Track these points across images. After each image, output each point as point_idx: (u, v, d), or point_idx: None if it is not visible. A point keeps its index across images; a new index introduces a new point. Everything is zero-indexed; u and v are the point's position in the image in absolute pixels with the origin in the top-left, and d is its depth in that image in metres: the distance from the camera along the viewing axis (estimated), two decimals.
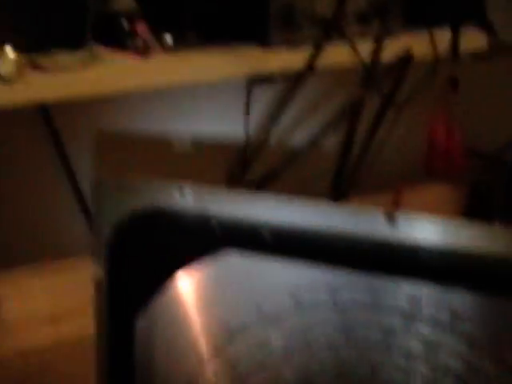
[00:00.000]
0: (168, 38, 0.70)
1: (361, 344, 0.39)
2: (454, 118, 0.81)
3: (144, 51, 0.67)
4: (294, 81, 0.62)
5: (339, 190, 0.56)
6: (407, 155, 0.85)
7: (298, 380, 0.40)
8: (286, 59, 0.71)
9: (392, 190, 0.76)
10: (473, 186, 0.84)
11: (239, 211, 0.39)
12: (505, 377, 0.37)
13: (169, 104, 0.78)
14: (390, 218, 0.37)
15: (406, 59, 0.53)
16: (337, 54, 0.69)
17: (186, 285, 0.40)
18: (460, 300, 0.36)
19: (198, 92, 0.75)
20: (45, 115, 0.70)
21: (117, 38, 0.69)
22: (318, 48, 0.58)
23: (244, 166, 0.57)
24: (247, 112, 0.76)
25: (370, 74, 0.53)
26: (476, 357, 0.37)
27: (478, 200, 0.83)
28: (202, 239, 0.40)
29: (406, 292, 0.37)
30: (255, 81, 0.76)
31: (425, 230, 0.37)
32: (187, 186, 0.40)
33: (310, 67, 0.57)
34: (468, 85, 0.94)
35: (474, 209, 0.70)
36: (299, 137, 0.68)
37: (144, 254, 0.40)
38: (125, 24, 0.67)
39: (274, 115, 0.64)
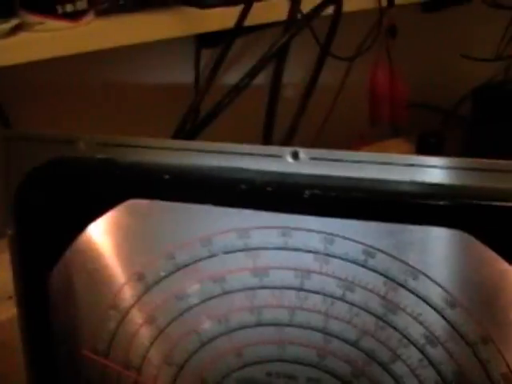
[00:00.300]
0: (101, 2, 0.69)
1: (277, 288, 0.37)
2: (396, 67, 0.80)
3: (75, 16, 0.65)
4: (227, 41, 0.61)
5: (269, 133, 0.55)
6: (357, 109, 0.84)
7: (217, 330, 0.39)
8: (222, 18, 0.69)
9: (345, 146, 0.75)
10: (422, 138, 0.83)
11: (146, 159, 0.38)
12: (425, 312, 0.36)
13: (115, 63, 0.76)
14: (295, 155, 0.35)
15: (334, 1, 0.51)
16: (267, 9, 0.68)
17: (97, 237, 0.39)
18: (372, 234, 0.35)
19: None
20: None
21: (47, 4, 0.67)
22: (247, 7, 0.57)
23: (194, 117, 0.56)
24: (197, 72, 0.75)
25: (293, 16, 0.52)
26: (392, 292, 0.36)
27: (428, 152, 0.83)
28: (109, 190, 0.38)
29: (318, 230, 0.36)
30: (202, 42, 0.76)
31: (332, 167, 0.35)
32: (93, 136, 0.39)
33: (240, 27, 0.56)
34: (419, 36, 0.93)
35: None
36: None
37: (52, 208, 0.39)
38: None
39: (215, 68, 0.63)
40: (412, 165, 0.34)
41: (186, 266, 0.38)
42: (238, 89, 0.47)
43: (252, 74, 0.46)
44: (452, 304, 0.35)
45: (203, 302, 0.39)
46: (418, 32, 0.94)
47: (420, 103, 0.93)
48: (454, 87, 0.95)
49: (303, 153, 0.36)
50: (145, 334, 0.40)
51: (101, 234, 0.39)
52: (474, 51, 0.91)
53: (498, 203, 0.33)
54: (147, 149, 0.38)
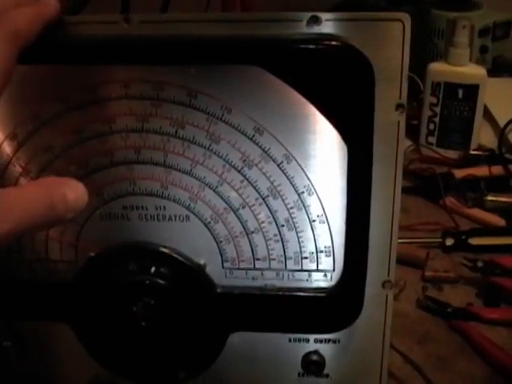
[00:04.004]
0: None
1: (123, 132, 0.46)
2: None
3: None
4: None
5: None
6: None
7: (79, 174, 0.48)
8: None
9: None
10: None
11: None
12: (240, 140, 0.45)
13: None
14: (127, 20, 0.45)
15: None
16: None
17: None
18: (193, 79, 0.45)
19: None
20: None
21: None
22: None
23: None
24: None
25: None
26: (213, 126, 0.45)
27: None
28: None
29: (150, 80, 0.45)
30: None
31: (157, 28, 0.44)
32: None
33: None
34: None
35: None
36: None
37: None
38: None
39: None
40: (215, 20, 0.44)
41: (50, 121, 0.47)
42: None
43: None
44: (259, 131, 0.45)
45: (66, 151, 0.47)
46: None
47: None
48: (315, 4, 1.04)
49: (134, 18, 0.45)
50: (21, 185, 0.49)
51: None
52: None
53: (282, 43, 0.43)
54: None
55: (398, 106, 0.43)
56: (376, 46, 0.42)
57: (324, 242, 0.47)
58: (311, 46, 0.42)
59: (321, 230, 0.46)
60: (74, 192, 0.40)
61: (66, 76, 0.45)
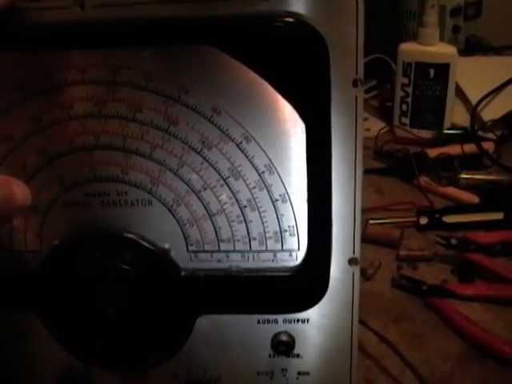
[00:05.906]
0: None
1: (81, 118, 0.46)
2: None
3: None
4: None
5: None
6: None
7: (40, 162, 0.47)
8: None
9: None
10: None
11: None
12: (198, 121, 0.45)
13: None
14: (82, 5, 0.44)
15: None
16: None
17: None
18: (148, 62, 0.44)
19: None
20: None
21: None
22: None
23: None
24: None
25: None
26: (171, 108, 0.45)
27: None
28: None
29: (107, 63, 0.44)
30: None
31: (110, 11, 0.44)
32: None
33: None
34: None
35: None
36: None
37: None
38: None
39: None
40: (167, 2, 0.43)
41: (7, 111, 0.46)
42: None
43: None
44: (217, 111, 0.45)
45: (25, 139, 0.47)
46: None
47: None
48: None
49: (87, 2, 0.44)
50: None
51: None
52: None
53: (235, 21, 0.43)
54: None
55: (355, 82, 0.42)
56: (330, 21, 0.42)
57: (288, 221, 0.47)
58: (264, 24, 0.41)
59: (284, 209, 0.46)
60: (21, 190, 0.43)
61: (21, 63, 0.45)
